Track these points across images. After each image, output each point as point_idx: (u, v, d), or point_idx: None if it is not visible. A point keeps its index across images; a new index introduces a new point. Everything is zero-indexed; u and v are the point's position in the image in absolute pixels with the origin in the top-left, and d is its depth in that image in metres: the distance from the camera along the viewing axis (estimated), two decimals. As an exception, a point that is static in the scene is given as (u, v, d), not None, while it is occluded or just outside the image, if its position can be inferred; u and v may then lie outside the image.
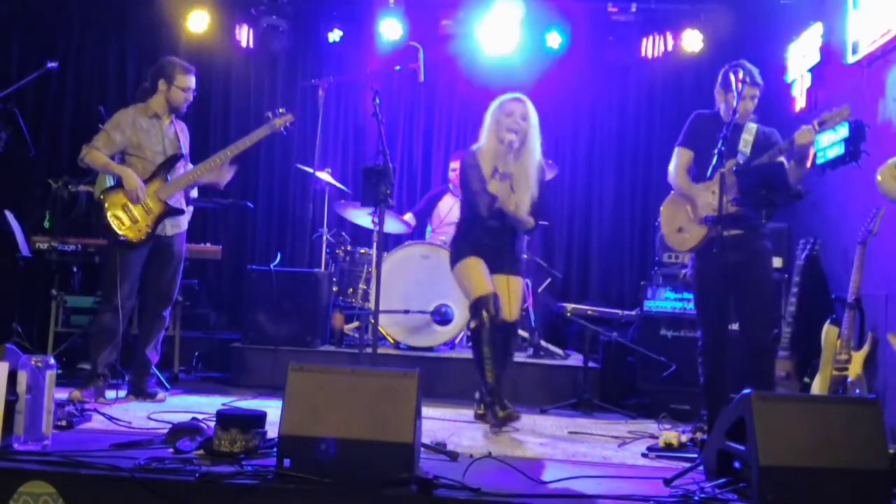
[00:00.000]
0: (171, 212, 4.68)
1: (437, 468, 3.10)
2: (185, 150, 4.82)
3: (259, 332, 5.74)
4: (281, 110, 4.86)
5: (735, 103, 3.99)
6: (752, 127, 4.23)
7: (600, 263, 7.48)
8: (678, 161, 4.31)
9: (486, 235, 4.40)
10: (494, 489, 2.89)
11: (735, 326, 4.28)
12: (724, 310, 4.18)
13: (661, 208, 4.38)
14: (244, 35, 7.46)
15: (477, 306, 4.25)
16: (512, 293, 4.39)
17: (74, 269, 5.90)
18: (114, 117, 4.70)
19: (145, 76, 4.83)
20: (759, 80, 4.17)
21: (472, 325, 4.29)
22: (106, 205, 4.56)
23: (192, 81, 4.75)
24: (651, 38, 7.21)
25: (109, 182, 4.78)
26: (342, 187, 6.48)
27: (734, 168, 4.12)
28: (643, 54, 7.27)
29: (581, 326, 5.48)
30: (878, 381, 4.26)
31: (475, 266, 4.33)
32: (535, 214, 4.40)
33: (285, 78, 7.69)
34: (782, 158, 4.04)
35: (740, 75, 3.98)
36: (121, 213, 4.56)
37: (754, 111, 4.23)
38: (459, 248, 4.47)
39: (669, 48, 7.15)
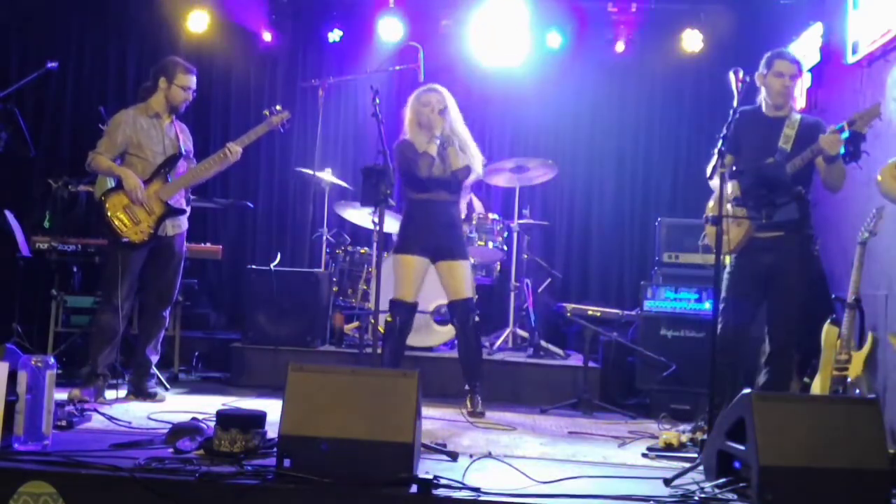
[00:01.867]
0: (172, 212, 4.69)
1: (437, 468, 3.10)
2: (187, 149, 4.82)
3: (259, 332, 5.73)
4: (278, 108, 4.87)
5: (735, 103, 3.98)
6: (795, 119, 4.18)
7: (600, 263, 7.48)
8: (715, 162, 4.29)
9: (422, 213, 4.74)
10: (494, 489, 2.89)
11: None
12: (750, 312, 4.18)
13: (708, 206, 4.38)
14: (244, 35, 7.46)
15: (391, 306, 4.71)
16: (455, 277, 4.76)
17: (74, 269, 5.90)
18: (114, 118, 4.71)
19: (147, 75, 4.84)
20: (798, 62, 4.19)
21: (387, 319, 4.72)
22: (107, 206, 4.56)
23: (192, 81, 4.75)
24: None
25: (110, 183, 4.78)
26: (343, 184, 6.47)
27: (732, 167, 4.11)
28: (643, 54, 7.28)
29: (581, 326, 5.48)
30: (878, 381, 4.25)
31: (407, 267, 4.70)
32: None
33: (285, 78, 7.69)
34: (821, 159, 4.01)
35: (740, 75, 3.96)
36: (122, 215, 4.56)
37: (795, 102, 4.21)
38: (403, 236, 4.82)
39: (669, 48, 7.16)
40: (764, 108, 4.25)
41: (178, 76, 4.69)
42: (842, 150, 4.16)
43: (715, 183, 4.24)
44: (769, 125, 4.17)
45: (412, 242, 4.73)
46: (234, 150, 4.75)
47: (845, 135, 3.87)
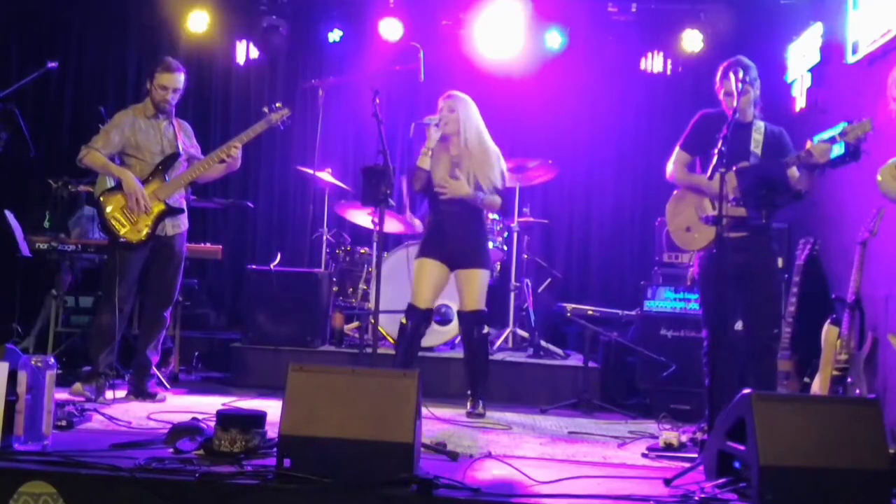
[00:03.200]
0: (171, 212, 4.69)
1: (437, 468, 3.10)
2: (186, 148, 4.81)
3: (259, 332, 5.73)
4: (277, 105, 4.88)
5: (735, 103, 3.98)
6: (760, 126, 4.21)
7: (600, 263, 7.48)
8: (674, 160, 4.32)
9: (441, 220, 4.74)
10: (494, 489, 2.90)
11: (738, 326, 4.29)
12: (730, 310, 4.18)
13: (667, 206, 4.39)
14: (244, 35, 7.47)
15: (406, 309, 4.72)
16: (466, 286, 4.71)
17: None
18: (114, 118, 4.72)
19: (147, 75, 4.84)
20: (751, 76, 4.13)
21: (402, 321, 4.74)
22: (105, 206, 4.57)
23: (170, 80, 4.66)
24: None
25: (110, 183, 4.79)
26: (343, 186, 6.47)
27: (734, 168, 4.11)
28: (642, 55, 7.29)
29: (581, 326, 5.48)
30: (878, 381, 4.25)
31: (423, 272, 4.72)
32: (497, 192, 4.76)
33: (285, 78, 7.68)
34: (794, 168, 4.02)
35: (740, 74, 3.97)
36: (119, 215, 4.57)
37: (759, 109, 4.22)
38: (422, 240, 4.88)
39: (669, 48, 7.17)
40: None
41: (156, 75, 4.67)
42: (842, 151, 4.17)
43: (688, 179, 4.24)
44: (738, 129, 4.13)
45: (428, 247, 4.75)
46: (234, 149, 4.72)
47: (840, 150, 3.89)
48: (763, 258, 4.16)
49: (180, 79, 4.70)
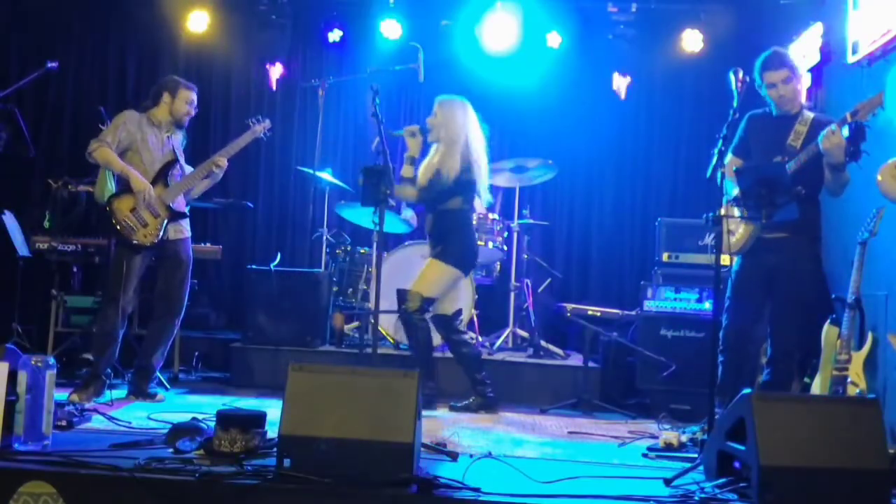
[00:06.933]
0: (175, 216, 4.72)
1: (437, 468, 3.11)
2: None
3: (259, 332, 5.73)
4: (259, 118, 5.04)
5: (735, 103, 3.97)
6: (807, 117, 4.12)
7: (600, 263, 7.48)
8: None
9: None
10: (494, 489, 2.90)
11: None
12: (754, 313, 4.15)
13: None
14: (244, 36, 7.47)
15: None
16: None
17: (74, 269, 5.90)
18: (121, 114, 4.78)
19: (148, 74, 4.89)
20: (785, 62, 4.11)
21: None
22: (114, 210, 4.60)
23: (194, 97, 4.86)
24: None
25: (109, 182, 4.81)
26: (343, 185, 6.47)
27: (735, 168, 4.11)
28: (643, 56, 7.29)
29: (581, 326, 5.48)
30: (878, 381, 4.25)
31: None
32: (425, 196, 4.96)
33: (285, 78, 7.68)
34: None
35: (740, 75, 3.96)
36: (128, 219, 4.60)
37: (808, 99, 4.17)
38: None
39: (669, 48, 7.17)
40: (773, 110, 4.24)
41: (180, 91, 4.80)
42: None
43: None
44: (778, 124, 4.15)
45: None
46: (221, 162, 4.82)
47: (845, 134, 3.85)
48: (791, 261, 4.06)
49: (196, 95, 4.90)
